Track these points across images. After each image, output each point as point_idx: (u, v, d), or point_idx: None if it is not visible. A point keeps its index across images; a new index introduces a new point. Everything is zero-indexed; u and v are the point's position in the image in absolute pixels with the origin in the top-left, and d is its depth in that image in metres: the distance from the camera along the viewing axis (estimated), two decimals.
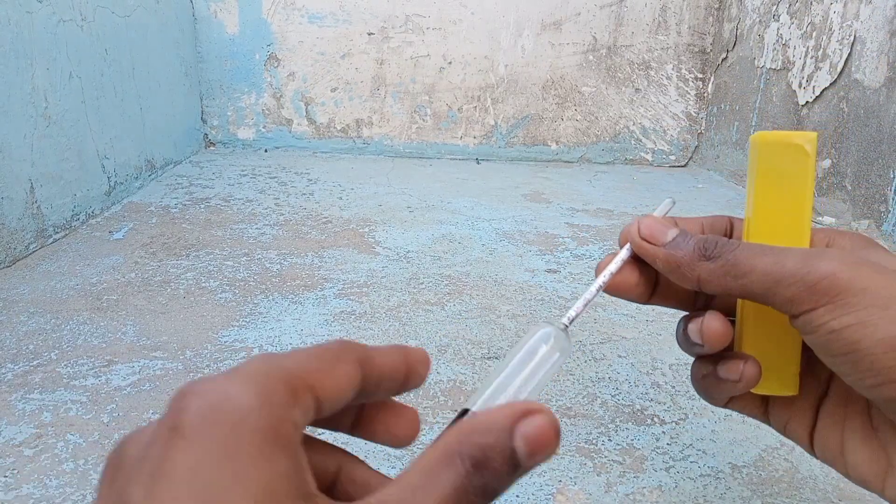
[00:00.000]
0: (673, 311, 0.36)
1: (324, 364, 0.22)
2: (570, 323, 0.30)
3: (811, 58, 1.67)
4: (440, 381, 0.84)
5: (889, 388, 0.24)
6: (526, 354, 0.27)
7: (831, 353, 0.25)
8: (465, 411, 0.25)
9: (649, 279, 0.35)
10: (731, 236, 0.34)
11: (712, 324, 0.31)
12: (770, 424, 0.33)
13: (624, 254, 0.34)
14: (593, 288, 0.33)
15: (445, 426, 0.24)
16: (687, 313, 0.34)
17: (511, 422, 0.20)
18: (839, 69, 1.56)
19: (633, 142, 2.30)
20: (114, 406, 0.76)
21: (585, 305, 0.31)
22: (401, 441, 0.27)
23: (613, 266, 0.34)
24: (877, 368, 0.24)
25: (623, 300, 0.35)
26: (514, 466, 0.20)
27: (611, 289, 0.34)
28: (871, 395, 0.25)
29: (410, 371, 0.26)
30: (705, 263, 0.28)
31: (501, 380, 0.26)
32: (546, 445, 0.20)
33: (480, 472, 0.19)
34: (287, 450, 0.19)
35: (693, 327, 0.31)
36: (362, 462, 0.26)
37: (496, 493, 0.20)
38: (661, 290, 0.35)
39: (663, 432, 0.74)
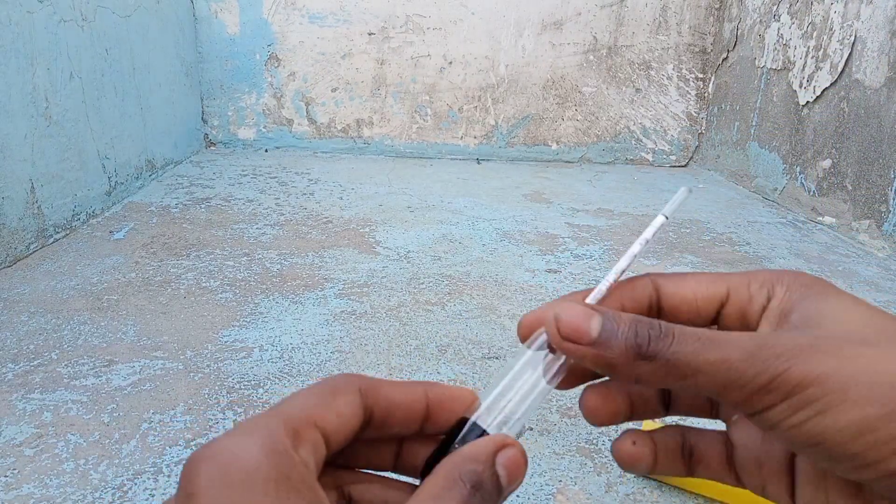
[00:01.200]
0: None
1: (323, 398, 0.23)
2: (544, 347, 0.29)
3: (812, 58, 1.67)
4: (440, 380, 0.84)
5: (867, 472, 0.23)
6: (529, 360, 0.27)
7: (797, 447, 0.24)
8: (463, 420, 0.25)
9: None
10: (659, 307, 0.29)
11: (589, 400, 0.29)
12: (747, 489, 0.31)
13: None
14: (603, 285, 0.29)
15: (443, 437, 0.25)
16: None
17: (494, 449, 0.23)
18: (840, 69, 1.56)
19: (633, 142, 2.30)
20: (114, 406, 0.76)
21: (600, 300, 0.29)
22: None
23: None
24: (849, 455, 0.22)
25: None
26: (499, 490, 0.23)
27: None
28: (851, 478, 0.24)
29: (433, 406, 0.26)
30: (642, 364, 0.24)
31: (503, 388, 0.26)
32: (520, 474, 0.23)
33: (479, 493, 0.22)
34: (301, 490, 0.20)
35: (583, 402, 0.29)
36: (381, 478, 0.27)
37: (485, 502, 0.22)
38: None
39: None
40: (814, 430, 0.22)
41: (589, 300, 0.28)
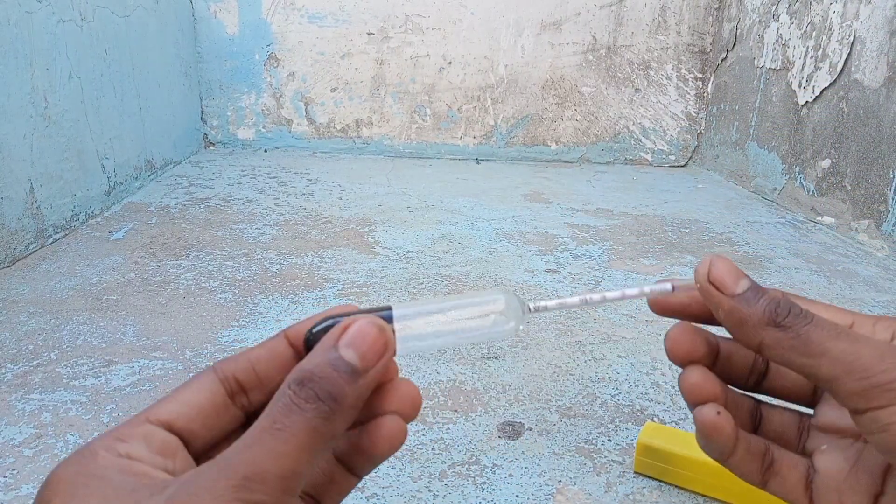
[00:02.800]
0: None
1: (169, 395, 0.25)
2: (535, 310, 0.29)
3: (811, 58, 1.67)
4: (440, 380, 0.84)
5: None
6: (467, 302, 0.26)
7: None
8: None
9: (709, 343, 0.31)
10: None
11: (675, 332, 0.29)
12: None
13: (661, 288, 0.30)
14: (593, 296, 0.30)
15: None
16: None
17: (332, 342, 0.23)
18: (839, 69, 1.56)
19: (632, 142, 2.30)
20: (113, 406, 0.76)
21: (560, 306, 0.30)
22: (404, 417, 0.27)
23: (646, 288, 0.30)
24: None
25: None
26: (352, 373, 0.22)
27: (671, 346, 0.30)
28: None
29: (298, 337, 0.26)
30: (773, 330, 0.25)
31: (426, 308, 0.26)
32: (372, 341, 0.23)
33: (306, 386, 0.22)
34: (104, 477, 0.22)
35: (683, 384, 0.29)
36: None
37: (342, 396, 0.22)
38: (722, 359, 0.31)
39: None
40: None
41: (552, 302, 0.29)
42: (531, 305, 0.28)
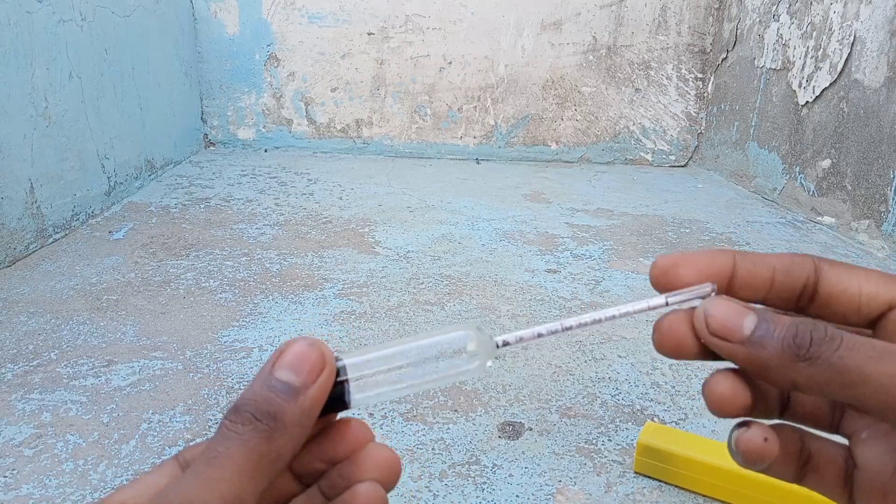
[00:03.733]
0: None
1: (132, 482, 0.24)
2: (506, 345, 0.26)
3: (811, 58, 1.67)
4: None
5: None
6: (429, 344, 0.24)
7: None
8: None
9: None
10: (815, 291, 0.26)
11: (717, 386, 0.25)
12: None
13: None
14: (567, 322, 0.26)
15: None
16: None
17: (268, 368, 0.22)
18: (839, 69, 1.56)
19: (633, 142, 2.30)
20: (114, 406, 0.76)
21: (534, 338, 0.26)
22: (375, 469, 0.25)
23: (630, 307, 0.26)
24: None
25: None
26: (290, 391, 0.22)
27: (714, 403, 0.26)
28: None
29: None
30: (801, 366, 0.22)
31: (382, 354, 0.24)
32: (306, 357, 0.22)
33: (241, 411, 0.21)
34: None
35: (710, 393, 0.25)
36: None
37: (281, 413, 0.21)
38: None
39: None
40: None
41: (518, 334, 0.25)
42: (499, 341, 0.25)
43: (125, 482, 0.63)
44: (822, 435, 0.28)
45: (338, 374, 0.23)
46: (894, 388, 0.21)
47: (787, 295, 0.26)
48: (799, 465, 0.27)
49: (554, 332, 0.26)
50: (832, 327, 0.22)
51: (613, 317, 0.26)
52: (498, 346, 0.25)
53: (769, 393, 0.27)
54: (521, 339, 0.25)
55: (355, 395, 0.24)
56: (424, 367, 0.24)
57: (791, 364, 0.22)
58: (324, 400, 0.22)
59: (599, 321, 0.26)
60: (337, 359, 0.24)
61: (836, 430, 0.28)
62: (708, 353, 0.26)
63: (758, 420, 0.26)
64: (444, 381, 0.25)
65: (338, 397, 0.23)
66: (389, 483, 0.25)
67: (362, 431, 0.25)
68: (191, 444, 0.69)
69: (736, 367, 0.25)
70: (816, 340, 0.22)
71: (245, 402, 0.22)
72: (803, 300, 0.26)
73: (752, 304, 0.24)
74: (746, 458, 0.25)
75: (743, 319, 0.23)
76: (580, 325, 0.25)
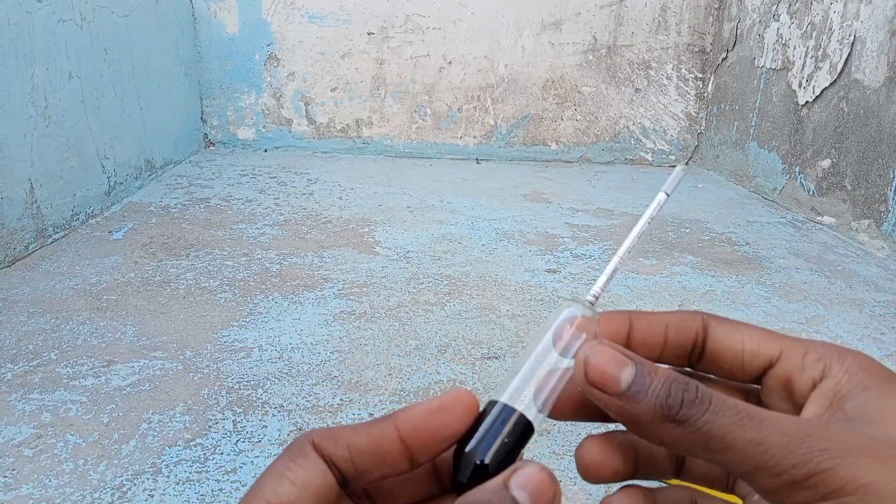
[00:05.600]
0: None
1: (276, 471, 0.22)
2: (597, 299, 0.26)
3: (811, 57, 1.67)
4: (440, 381, 0.84)
5: None
6: (549, 341, 0.25)
7: None
8: (492, 402, 0.24)
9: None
10: (703, 349, 0.27)
11: (587, 452, 0.26)
12: None
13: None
14: (614, 261, 0.28)
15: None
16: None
17: (504, 479, 0.21)
18: (839, 69, 1.56)
19: (632, 142, 2.30)
20: (113, 406, 0.76)
21: (609, 280, 0.27)
22: None
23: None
24: None
25: None
26: None
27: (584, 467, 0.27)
28: None
29: (411, 435, 0.24)
30: (670, 427, 0.22)
31: (528, 368, 0.25)
32: (545, 489, 0.21)
33: None
34: None
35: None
36: None
37: None
38: None
39: None
40: None
41: (599, 282, 0.26)
42: (590, 298, 0.26)
43: (125, 482, 0.63)
44: (715, 496, 0.28)
45: (513, 412, 0.24)
46: (753, 454, 0.21)
47: (679, 352, 0.26)
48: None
49: (615, 270, 0.27)
50: (704, 387, 0.22)
51: (641, 230, 0.27)
52: (592, 304, 0.26)
53: (658, 454, 0.28)
54: (603, 289, 0.26)
55: (531, 414, 0.24)
56: (555, 363, 0.25)
57: (661, 423, 0.22)
58: None
59: (639, 236, 0.27)
60: (495, 402, 0.24)
61: (731, 491, 0.28)
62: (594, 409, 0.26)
63: (636, 485, 0.26)
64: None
65: (525, 428, 0.24)
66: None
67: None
68: (191, 443, 0.69)
69: (606, 433, 0.26)
70: (687, 402, 0.22)
71: None
72: (693, 357, 0.27)
73: (631, 353, 0.24)
74: None
75: (622, 370, 0.23)
76: (627, 250, 0.26)
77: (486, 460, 0.23)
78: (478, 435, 0.24)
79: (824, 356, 0.24)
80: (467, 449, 0.23)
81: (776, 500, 0.21)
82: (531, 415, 0.24)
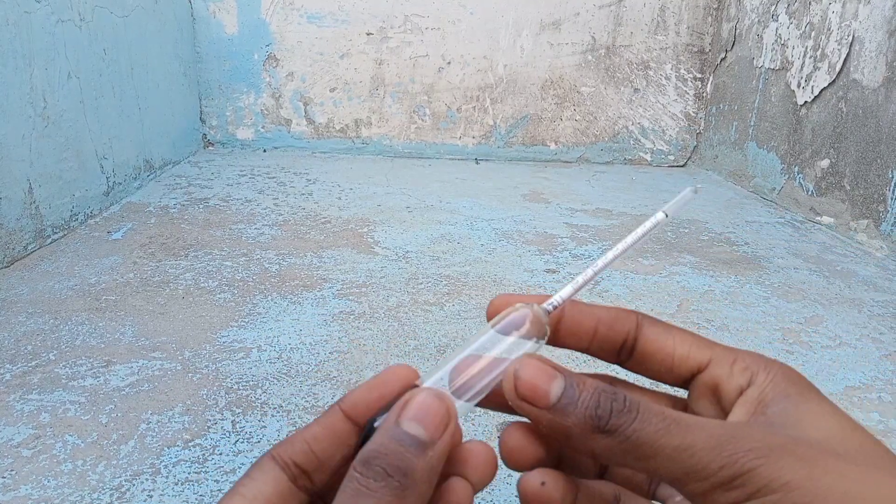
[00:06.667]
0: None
1: (236, 491, 0.24)
2: (555, 309, 0.26)
3: (810, 58, 1.67)
4: None
5: None
6: (493, 337, 0.25)
7: None
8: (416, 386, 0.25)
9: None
10: (633, 347, 0.27)
11: (509, 438, 0.26)
12: None
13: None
14: (587, 273, 0.27)
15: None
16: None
17: (394, 418, 0.22)
18: (838, 69, 1.56)
19: (631, 142, 2.30)
20: (112, 406, 0.76)
21: (576, 291, 0.27)
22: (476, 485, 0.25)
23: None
24: None
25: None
26: (419, 446, 0.22)
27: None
28: None
29: (359, 412, 0.24)
30: (600, 437, 0.22)
31: (455, 363, 0.25)
32: (434, 411, 0.22)
33: (372, 466, 0.21)
34: None
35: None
36: None
37: (412, 470, 0.21)
38: None
39: None
40: None
41: (566, 290, 0.26)
42: (548, 307, 0.26)
43: (124, 482, 0.63)
44: (638, 497, 0.28)
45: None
46: (681, 459, 0.21)
47: (608, 347, 0.27)
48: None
49: (587, 281, 0.27)
50: (631, 396, 0.23)
51: (628, 245, 0.27)
52: (549, 313, 0.26)
53: (580, 455, 0.28)
54: (563, 300, 0.26)
55: (461, 402, 0.24)
56: (493, 361, 0.25)
57: (591, 434, 0.23)
58: (446, 455, 0.23)
59: (624, 251, 0.26)
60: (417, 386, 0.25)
61: (652, 496, 0.29)
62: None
63: (552, 470, 0.26)
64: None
65: None
66: (483, 483, 0.25)
67: (459, 435, 0.25)
68: (190, 444, 0.69)
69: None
70: (616, 412, 0.22)
71: (375, 456, 0.21)
72: (623, 354, 0.27)
73: (560, 366, 0.24)
74: (523, 500, 0.26)
75: (551, 384, 0.23)
76: (606, 265, 0.26)
77: (378, 422, 0.24)
78: (389, 407, 0.24)
79: (751, 365, 0.25)
80: (376, 422, 0.24)
81: (705, 503, 0.22)
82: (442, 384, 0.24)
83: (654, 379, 0.27)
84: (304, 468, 0.24)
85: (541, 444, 0.26)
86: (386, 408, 0.24)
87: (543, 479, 0.25)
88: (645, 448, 0.22)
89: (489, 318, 0.26)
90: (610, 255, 0.27)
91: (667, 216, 0.27)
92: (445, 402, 0.23)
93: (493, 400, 0.26)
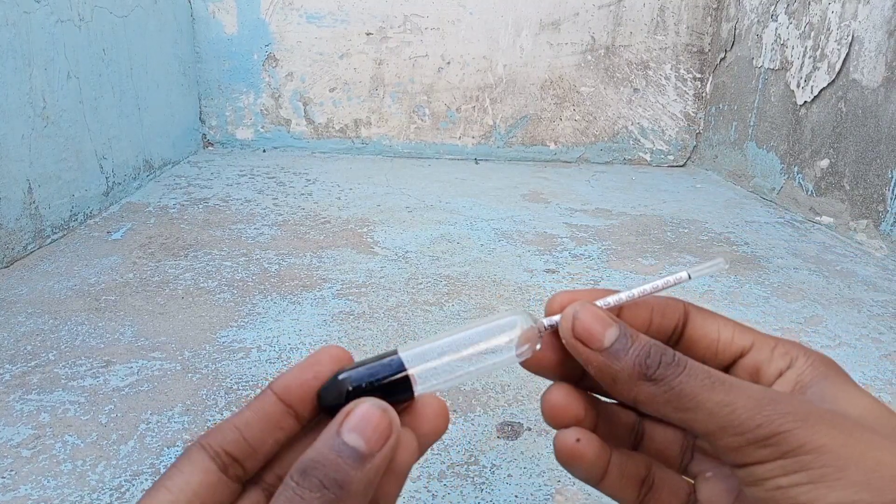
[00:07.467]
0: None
1: (161, 484, 0.23)
2: (551, 327, 0.27)
3: (809, 58, 1.67)
4: None
5: None
6: (482, 333, 0.26)
7: None
8: (393, 351, 0.25)
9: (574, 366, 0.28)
10: (682, 334, 0.28)
11: (552, 396, 0.27)
12: None
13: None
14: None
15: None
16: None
17: (335, 428, 0.22)
18: (837, 69, 1.56)
19: (631, 142, 2.30)
20: (112, 407, 0.76)
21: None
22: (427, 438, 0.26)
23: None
24: None
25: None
26: (357, 458, 0.21)
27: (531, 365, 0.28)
28: None
29: (286, 393, 0.24)
30: (645, 385, 0.24)
31: (441, 345, 0.25)
32: (376, 423, 0.22)
33: (309, 476, 0.21)
34: None
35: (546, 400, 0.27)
36: None
37: (348, 483, 0.21)
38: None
39: None
40: (800, 498, 0.21)
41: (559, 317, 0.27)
42: (546, 323, 0.27)
43: (124, 483, 0.63)
44: (671, 472, 0.29)
45: (402, 368, 0.25)
46: (721, 414, 0.23)
47: (660, 334, 0.28)
48: (642, 490, 0.28)
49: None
50: (680, 354, 0.24)
51: (645, 292, 0.27)
52: (540, 334, 0.27)
53: (618, 420, 0.29)
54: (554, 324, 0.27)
55: (417, 387, 0.25)
56: (475, 356, 0.25)
57: (637, 381, 0.24)
58: (385, 468, 0.23)
59: (633, 297, 0.27)
60: (394, 352, 0.25)
61: (684, 472, 0.30)
62: (565, 372, 0.28)
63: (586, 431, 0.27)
64: (495, 368, 0.26)
65: (404, 389, 0.25)
66: (436, 434, 0.26)
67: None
68: (188, 443, 0.69)
69: (572, 383, 0.28)
70: (664, 363, 0.24)
71: (313, 466, 0.21)
72: (672, 340, 0.28)
73: (616, 318, 0.25)
74: (558, 455, 0.27)
75: (606, 329, 0.25)
76: (617, 303, 0.27)
77: (341, 376, 0.24)
78: (354, 365, 0.25)
79: (791, 351, 0.27)
80: (340, 375, 0.24)
81: (736, 459, 0.23)
82: (415, 372, 0.25)
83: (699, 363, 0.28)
84: (235, 456, 0.24)
85: (581, 405, 0.27)
86: (357, 364, 0.25)
87: (579, 437, 0.27)
88: (687, 400, 0.23)
89: (547, 315, 0.27)
90: (624, 295, 0.28)
91: (689, 277, 0.28)
92: (388, 415, 0.23)
93: (537, 363, 0.27)
